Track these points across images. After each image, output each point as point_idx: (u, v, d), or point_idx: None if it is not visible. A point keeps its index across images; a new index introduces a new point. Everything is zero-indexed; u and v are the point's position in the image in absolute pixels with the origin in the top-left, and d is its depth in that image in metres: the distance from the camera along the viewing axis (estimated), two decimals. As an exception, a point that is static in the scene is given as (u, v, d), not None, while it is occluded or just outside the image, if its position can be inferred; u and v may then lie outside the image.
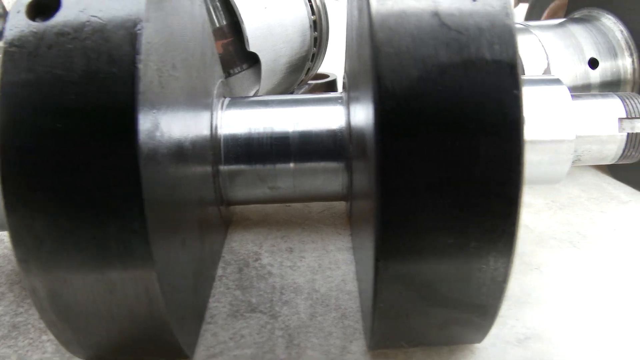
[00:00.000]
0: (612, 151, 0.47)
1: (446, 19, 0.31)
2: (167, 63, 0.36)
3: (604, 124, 0.46)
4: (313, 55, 0.77)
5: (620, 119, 0.46)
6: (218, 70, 0.54)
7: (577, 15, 0.66)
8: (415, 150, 0.30)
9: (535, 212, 0.59)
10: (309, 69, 0.78)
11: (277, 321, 0.44)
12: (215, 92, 0.52)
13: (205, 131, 0.48)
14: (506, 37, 0.31)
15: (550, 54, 0.58)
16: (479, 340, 0.39)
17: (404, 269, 0.32)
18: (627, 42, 0.61)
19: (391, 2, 0.31)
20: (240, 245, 0.54)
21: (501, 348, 0.41)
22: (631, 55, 0.60)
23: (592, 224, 0.57)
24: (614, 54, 0.60)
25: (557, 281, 0.48)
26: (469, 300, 0.34)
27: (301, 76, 0.78)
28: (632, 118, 0.47)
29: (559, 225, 0.57)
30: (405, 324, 0.36)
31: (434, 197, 0.30)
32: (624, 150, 0.47)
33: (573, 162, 0.48)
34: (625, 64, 0.60)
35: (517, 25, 0.61)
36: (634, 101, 0.47)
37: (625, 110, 0.47)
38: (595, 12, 0.64)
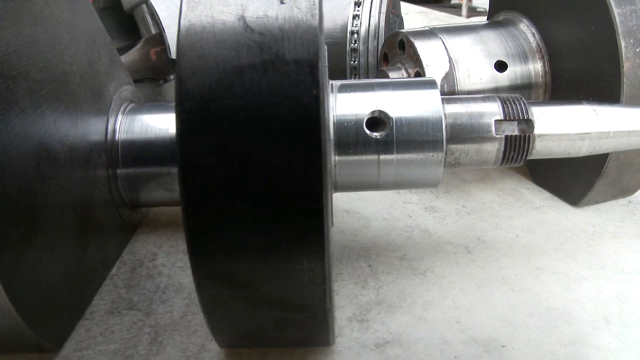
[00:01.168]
0: (491, 154, 0.47)
1: (251, 22, 0.32)
2: (20, 70, 0.38)
3: (479, 126, 0.46)
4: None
5: (497, 121, 0.46)
6: (121, 76, 0.56)
7: (496, 18, 0.66)
8: (214, 151, 0.31)
9: (441, 217, 0.59)
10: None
11: (149, 319, 0.45)
12: (115, 97, 0.54)
13: (95, 135, 0.50)
14: (309, 38, 0.31)
15: (454, 57, 0.58)
16: (328, 343, 0.39)
17: (218, 268, 0.33)
18: (538, 46, 0.60)
19: (201, 8, 0.33)
20: (142, 246, 0.56)
21: (356, 352, 0.41)
22: (542, 59, 0.60)
23: (496, 229, 0.57)
24: (524, 57, 0.60)
25: (438, 287, 0.48)
26: (293, 300, 0.35)
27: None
28: (509, 120, 0.46)
29: (462, 230, 0.57)
30: (239, 323, 0.36)
31: (236, 197, 0.31)
32: (504, 153, 0.47)
33: (452, 165, 0.48)
34: (536, 67, 0.60)
35: (422, 29, 0.61)
36: (514, 104, 0.47)
37: (504, 112, 0.47)
38: (511, 15, 0.64)
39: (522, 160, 0.48)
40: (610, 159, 0.55)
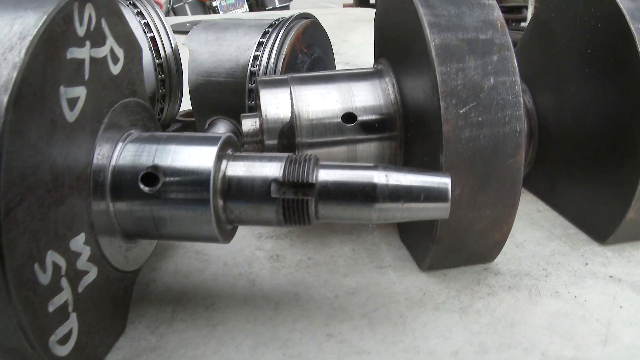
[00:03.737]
0: (271, 215, 0.46)
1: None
2: None
3: (258, 186, 0.46)
4: (163, 96, 0.82)
5: (275, 183, 0.46)
6: None
7: (375, 65, 0.65)
8: None
9: (279, 268, 0.58)
10: (162, 109, 0.83)
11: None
12: None
13: None
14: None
15: (299, 108, 0.57)
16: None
17: None
18: (396, 98, 0.58)
19: None
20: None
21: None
22: (397, 112, 0.57)
23: (321, 287, 0.55)
24: (379, 109, 0.58)
25: (217, 341, 0.48)
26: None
27: (155, 115, 0.83)
28: (288, 183, 0.45)
29: (287, 285, 0.56)
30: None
31: None
32: (284, 215, 0.46)
33: (235, 222, 0.47)
34: (392, 120, 0.58)
35: (278, 78, 0.61)
36: (300, 165, 0.46)
37: (284, 173, 0.46)
38: (382, 65, 0.62)
39: (309, 222, 0.47)
40: (439, 225, 0.52)
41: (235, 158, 0.48)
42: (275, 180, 0.46)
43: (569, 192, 0.68)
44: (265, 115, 0.57)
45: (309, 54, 0.80)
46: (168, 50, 0.81)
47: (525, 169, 0.75)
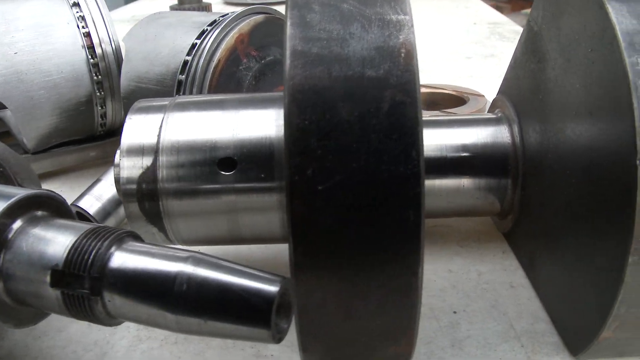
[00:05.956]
0: (53, 306, 0.35)
1: None
2: None
3: (35, 272, 0.35)
4: (104, 99, 0.73)
5: (53, 272, 0.34)
6: None
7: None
8: None
9: (142, 340, 0.48)
10: (104, 114, 0.74)
11: None
12: None
13: None
14: None
15: (166, 143, 0.44)
16: None
17: None
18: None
19: None
20: None
21: None
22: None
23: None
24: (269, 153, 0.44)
25: None
26: None
27: (97, 119, 0.74)
28: (68, 273, 0.34)
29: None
30: None
31: None
32: (69, 311, 0.35)
33: (21, 303, 0.37)
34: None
35: (153, 104, 0.48)
36: (89, 247, 0.34)
37: (67, 259, 0.34)
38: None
39: (101, 322, 0.36)
40: (300, 332, 0.38)
41: (32, 224, 0.37)
42: (54, 268, 0.35)
43: (547, 268, 0.50)
44: (122, 152, 0.46)
45: (260, 57, 0.66)
46: (107, 48, 0.71)
47: (509, 222, 0.57)
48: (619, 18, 0.37)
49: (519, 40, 0.54)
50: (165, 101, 0.48)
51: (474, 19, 1.50)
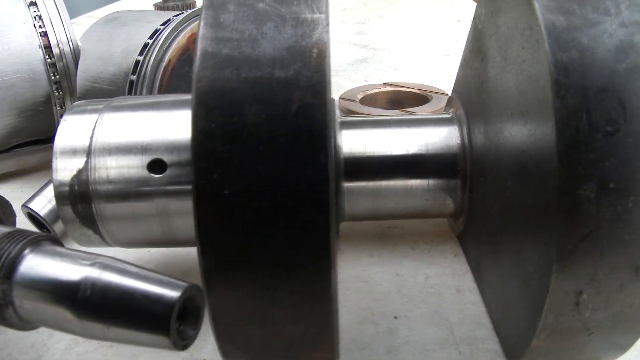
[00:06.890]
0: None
1: None
2: None
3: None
4: (63, 100, 0.72)
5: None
6: None
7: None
8: None
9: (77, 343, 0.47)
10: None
11: None
12: None
13: None
14: None
15: (99, 145, 0.43)
16: None
17: None
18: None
19: None
20: None
21: None
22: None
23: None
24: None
25: None
26: None
27: (57, 119, 0.74)
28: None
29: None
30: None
31: None
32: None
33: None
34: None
35: (90, 107, 0.47)
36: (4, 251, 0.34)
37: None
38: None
39: (12, 325, 0.35)
40: (215, 331, 0.37)
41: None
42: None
43: (489, 273, 0.49)
44: (57, 153, 0.45)
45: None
46: (65, 48, 0.71)
47: (461, 224, 0.56)
48: (546, 14, 0.36)
49: (467, 38, 0.53)
50: (102, 103, 0.48)
51: (459, 17, 1.48)
